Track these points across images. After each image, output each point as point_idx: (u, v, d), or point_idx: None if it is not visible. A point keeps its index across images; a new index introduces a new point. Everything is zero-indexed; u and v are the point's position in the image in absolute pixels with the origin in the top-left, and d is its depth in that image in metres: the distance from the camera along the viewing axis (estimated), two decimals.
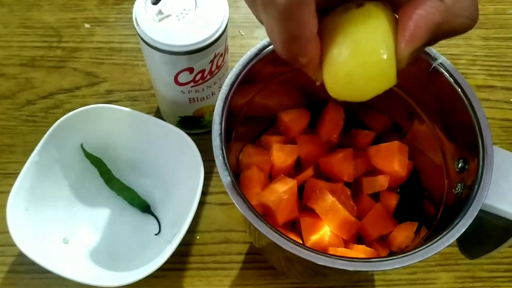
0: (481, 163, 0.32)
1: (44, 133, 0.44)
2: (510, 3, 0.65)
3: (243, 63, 0.36)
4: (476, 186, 0.31)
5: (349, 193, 0.42)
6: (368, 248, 0.39)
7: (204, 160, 0.44)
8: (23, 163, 0.43)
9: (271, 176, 0.42)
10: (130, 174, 0.49)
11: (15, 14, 0.62)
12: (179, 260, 0.47)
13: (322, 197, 0.39)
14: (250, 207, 0.31)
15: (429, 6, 0.21)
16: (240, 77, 0.36)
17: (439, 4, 0.21)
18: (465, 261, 0.45)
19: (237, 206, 0.31)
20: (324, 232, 0.38)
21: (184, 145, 0.45)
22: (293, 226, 0.41)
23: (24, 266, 0.46)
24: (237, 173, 0.40)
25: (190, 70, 0.43)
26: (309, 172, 0.42)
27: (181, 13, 0.41)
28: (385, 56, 0.22)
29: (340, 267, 0.29)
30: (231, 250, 0.48)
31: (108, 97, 0.56)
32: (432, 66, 0.36)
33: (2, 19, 0.62)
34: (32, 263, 0.40)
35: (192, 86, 0.45)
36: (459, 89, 0.35)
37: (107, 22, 0.62)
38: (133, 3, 0.41)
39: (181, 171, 0.46)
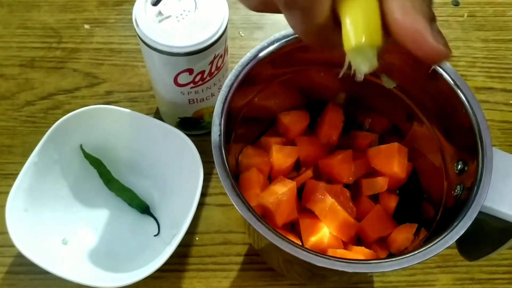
0: (480, 165, 0.32)
1: (43, 134, 0.44)
2: (509, 5, 0.65)
3: (243, 65, 0.36)
4: (475, 188, 0.31)
5: (348, 194, 0.42)
6: (367, 250, 0.39)
7: (203, 161, 0.44)
8: (22, 163, 0.43)
9: (271, 178, 0.42)
10: (129, 175, 0.49)
11: (15, 15, 0.62)
12: (178, 261, 0.47)
13: (321, 198, 0.39)
14: (249, 208, 0.31)
15: None
16: (239, 78, 0.36)
17: None
18: (464, 263, 0.45)
19: (236, 207, 0.31)
20: (323, 234, 0.38)
21: (183, 146, 0.45)
22: (292, 227, 0.41)
23: (23, 267, 0.46)
24: (236, 174, 0.40)
25: (190, 71, 0.43)
26: (309, 173, 0.42)
27: (181, 14, 0.41)
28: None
29: (339, 269, 0.29)
30: (230, 251, 0.48)
31: (108, 98, 0.56)
32: (432, 68, 0.36)
33: (2, 19, 0.62)
34: (31, 264, 0.40)
35: (191, 87, 0.45)
36: (459, 91, 0.35)
37: (107, 23, 0.62)
38: (133, 4, 0.41)
39: (181, 172, 0.46)
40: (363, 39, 0.24)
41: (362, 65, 0.26)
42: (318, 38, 0.24)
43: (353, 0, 0.24)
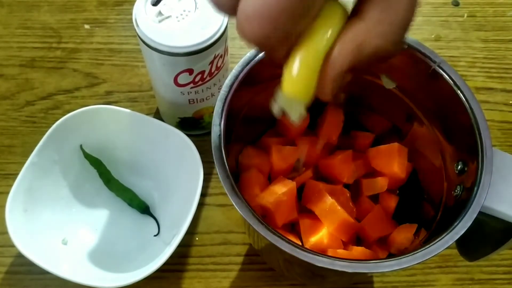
0: (480, 165, 0.32)
1: (43, 134, 0.44)
2: (509, 5, 0.65)
3: (243, 64, 0.36)
4: (475, 188, 0.31)
5: (348, 195, 0.42)
6: (367, 250, 0.39)
7: (203, 162, 0.44)
8: (22, 163, 0.43)
9: (271, 178, 0.42)
10: (129, 175, 0.49)
11: (15, 15, 0.62)
12: (178, 261, 0.47)
13: (321, 198, 0.39)
14: (249, 208, 0.31)
15: (354, 27, 0.22)
16: (239, 79, 0.36)
17: (362, 25, 0.22)
18: (464, 263, 0.45)
19: (236, 207, 0.31)
20: (323, 234, 0.38)
21: (183, 146, 0.45)
22: (292, 227, 0.41)
23: (23, 267, 0.46)
24: (236, 174, 0.40)
25: (190, 71, 0.43)
26: (309, 173, 0.42)
27: (181, 14, 0.41)
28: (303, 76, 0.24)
29: (339, 269, 0.29)
30: (230, 251, 0.48)
31: (108, 98, 0.56)
32: (432, 68, 0.36)
33: (2, 19, 0.62)
34: (31, 264, 0.40)
35: (191, 87, 0.45)
36: (459, 91, 0.35)
37: (107, 23, 0.62)
38: (133, 4, 0.41)
39: (181, 173, 0.46)
40: (290, 93, 0.24)
41: (292, 113, 0.27)
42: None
43: (301, 49, 0.23)
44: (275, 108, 0.27)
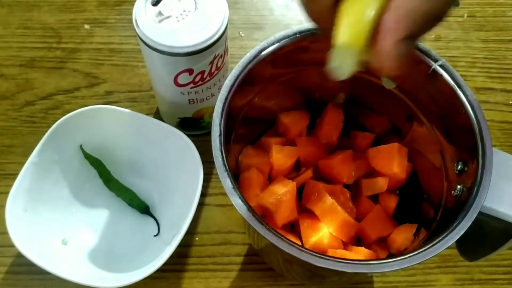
0: (480, 165, 0.32)
1: (43, 134, 0.44)
2: (509, 5, 0.65)
3: (243, 65, 0.36)
4: (475, 188, 0.31)
5: (348, 195, 0.42)
6: (367, 250, 0.39)
7: (203, 162, 0.44)
8: (22, 163, 0.43)
9: (271, 178, 0.42)
10: (129, 175, 0.49)
11: (15, 15, 0.62)
12: (178, 261, 0.47)
13: (321, 198, 0.39)
14: (249, 208, 0.31)
15: None
16: (239, 79, 0.36)
17: None
18: (464, 263, 0.45)
19: (236, 207, 0.31)
20: (323, 234, 0.38)
21: (183, 146, 0.45)
22: (292, 227, 0.41)
23: (23, 267, 0.46)
24: (236, 174, 0.40)
25: (190, 71, 0.43)
26: (308, 173, 0.42)
27: (181, 14, 0.41)
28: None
29: (339, 269, 0.29)
30: (230, 251, 0.48)
31: (108, 98, 0.56)
32: (432, 68, 0.36)
33: (2, 19, 0.62)
34: (30, 264, 0.40)
35: (191, 88, 0.45)
36: (459, 91, 0.35)
37: (107, 23, 0.62)
38: (133, 4, 0.41)
39: (181, 173, 0.46)
40: (343, 40, 0.25)
41: (339, 69, 0.27)
42: (320, 20, 0.27)
43: (352, 1, 0.25)
44: (329, 67, 0.28)
